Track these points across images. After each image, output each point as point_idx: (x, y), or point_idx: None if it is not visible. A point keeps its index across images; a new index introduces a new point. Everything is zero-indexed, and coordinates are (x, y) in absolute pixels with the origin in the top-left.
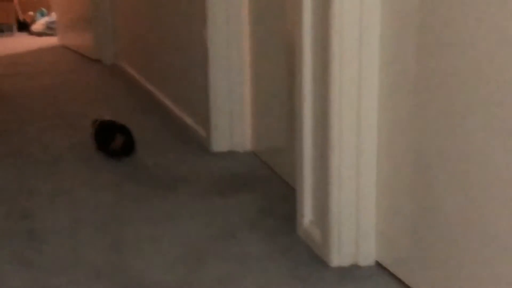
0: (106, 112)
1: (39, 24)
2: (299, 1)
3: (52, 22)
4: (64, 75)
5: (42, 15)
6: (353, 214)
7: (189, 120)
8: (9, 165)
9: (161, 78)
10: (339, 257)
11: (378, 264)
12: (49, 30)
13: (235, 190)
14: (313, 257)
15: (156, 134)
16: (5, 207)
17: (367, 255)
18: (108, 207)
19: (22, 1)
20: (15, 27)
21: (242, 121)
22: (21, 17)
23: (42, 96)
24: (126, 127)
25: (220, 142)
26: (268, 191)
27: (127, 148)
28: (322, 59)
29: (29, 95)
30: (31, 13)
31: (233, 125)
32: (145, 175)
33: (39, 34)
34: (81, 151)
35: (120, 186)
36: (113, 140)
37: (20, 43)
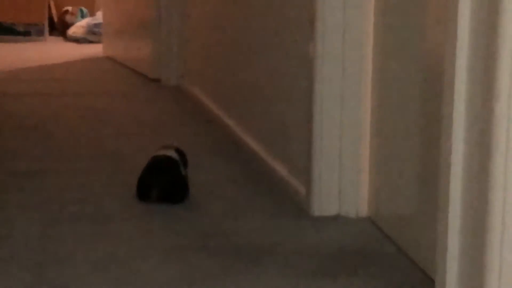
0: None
1: (79, 26)
2: (450, 15)
3: (96, 26)
4: (110, 99)
5: (83, 15)
6: None
7: (281, 170)
8: (35, 220)
9: (244, 110)
10: None
11: None
12: (91, 36)
13: (345, 273)
14: None
15: (234, 185)
16: (27, 279)
17: None
18: (175, 286)
19: None
20: (47, 29)
21: (355, 177)
22: (55, 17)
23: (82, 126)
24: (165, 164)
25: (325, 203)
26: (392, 276)
27: (170, 197)
28: (483, 89)
29: (65, 123)
30: (69, 9)
31: (343, 181)
32: (218, 242)
33: (78, 40)
34: (132, 203)
35: (186, 256)
36: (150, 190)
37: (53, 51)
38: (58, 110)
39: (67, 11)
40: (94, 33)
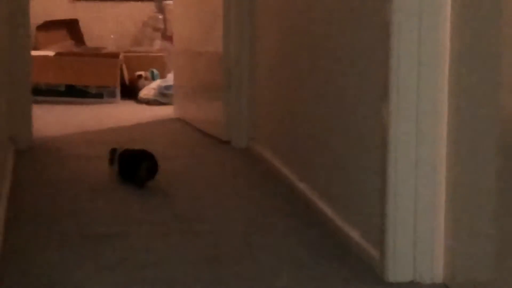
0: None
1: (149, 89)
2: None
3: (167, 87)
4: (181, 161)
5: (153, 77)
6: None
7: (353, 233)
8: (109, 283)
9: (316, 173)
10: None
11: None
12: (162, 98)
13: None
14: None
15: (305, 248)
16: None
17: None
18: None
19: (129, 57)
20: (118, 92)
21: (430, 241)
22: (126, 80)
23: (153, 188)
24: (148, 152)
25: (399, 269)
26: None
27: (152, 173)
28: None
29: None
30: (142, 74)
31: (417, 245)
32: None
33: (149, 102)
34: (205, 269)
35: None
36: (138, 170)
37: (124, 112)
38: None
39: (140, 76)
40: (164, 95)
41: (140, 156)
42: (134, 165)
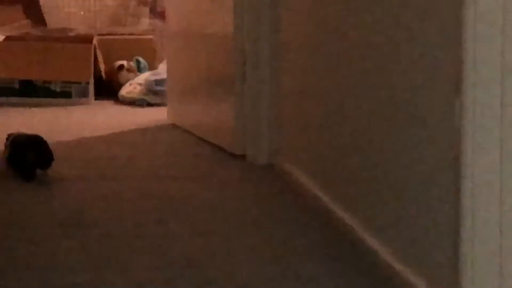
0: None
1: (134, 84)
2: None
3: (159, 83)
4: (180, 184)
5: (140, 69)
6: None
7: (417, 281)
8: None
9: (365, 201)
10: None
11: None
12: (152, 96)
13: None
14: None
15: None
16: None
17: None
18: None
19: (106, 42)
20: (92, 89)
21: None
22: (103, 72)
23: (145, 222)
24: (38, 139)
25: None
26: None
27: (41, 163)
28: None
29: (122, 219)
30: (123, 64)
31: None
32: None
33: (134, 102)
34: None
35: None
36: (24, 159)
37: (100, 117)
38: (111, 200)
39: (121, 67)
40: (155, 93)
41: (27, 143)
42: (21, 153)
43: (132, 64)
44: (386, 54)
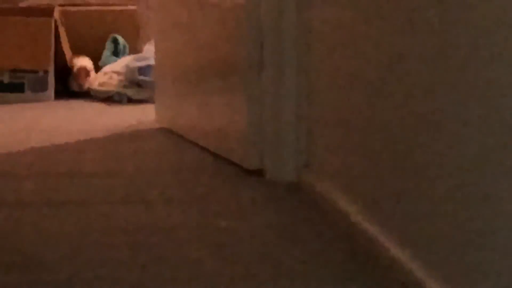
0: None
1: (110, 73)
2: None
3: (143, 71)
4: (177, 210)
5: (117, 51)
6: None
7: None
8: None
9: (417, 230)
10: None
11: None
12: (134, 90)
13: None
14: None
15: None
16: None
17: None
18: None
19: (71, 15)
20: (52, 80)
21: None
22: (68, 57)
23: (132, 269)
24: None
25: None
26: None
27: None
28: None
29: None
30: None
31: None
32: None
33: (110, 98)
34: None
35: None
36: None
37: (63, 120)
38: (73, 235)
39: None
40: (138, 85)
41: None
42: None
43: (108, 45)
44: (461, 54)
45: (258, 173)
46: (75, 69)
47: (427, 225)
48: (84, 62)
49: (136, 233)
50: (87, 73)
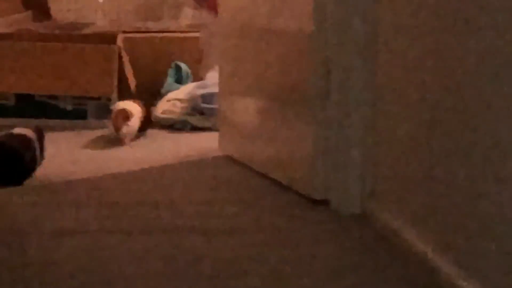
0: None
1: (173, 101)
2: None
3: (207, 98)
4: (239, 243)
5: (180, 78)
6: None
7: None
8: None
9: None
10: None
11: None
12: (198, 118)
13: None
14: None
15: None
16: None
17: None
18: None
19: (135, 41)
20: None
21: None
22: (131, 83)
23: None
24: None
25: None
26: None
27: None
28: None
29: None
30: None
31: None
32: None
33: (172, 125)
34: None
35: None
36: None
37: (124, 148)
38: (136, 263)
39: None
40: (201, 113)
41: None
42: None
43: (171, 72)
44: None
45: (323, 203)
46: (113, 111)
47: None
48: (126, 105)
49: (196, 263)
50: (126, 117)
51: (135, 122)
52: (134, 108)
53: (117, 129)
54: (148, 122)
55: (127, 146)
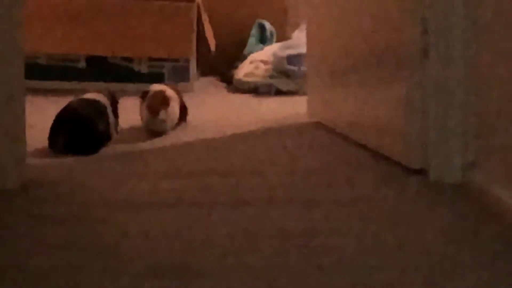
0: None
1: (256, 62)
2: None
3: (293, 59)
4: (324, 217)
5: (263, 38)
6: None
7: None
8: None
9: None
10: None
11: None
12: (284, 81)
13: None
14: None
15: None
16: None
17: None
18: None
19: None
20: (194, 69)
21: None
22: (211, 44)
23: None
24: (73, 116)
25: None
26: None
27: (78, 147)
28: None
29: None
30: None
31: None
32: None
33: (255, 89)
34: None
35: None
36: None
37: (205, 113)
38: (232, 239)
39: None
40: (287, 76)
41: (59, 119)
42: (52, 131)
43: (253, 31)
44: None
45: (420, 172)
46: (148, 94)
47: None
48: (163, 88)
49: (290, 237)
50: (165, 100)
51: (175, 108)
52: (171, 92)
53: (155, 113)
54: (185, 111)
55: (165, 135)
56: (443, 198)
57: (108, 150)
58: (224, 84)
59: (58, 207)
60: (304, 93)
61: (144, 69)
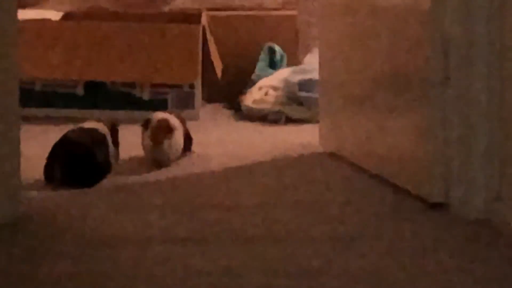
0: None
1: (266, 88)
2: None
3: (305, 85)
4: (339, 256)
5: (273, 63)
6: None
7: None
8: None
9: None
10: None
11: None
12: (295, 108)
13: None
14: None
15: None
16: None
17: None
18: None
19: (221, 20)
20: (199, 96)
21: None
22: (218, 69)
23: None
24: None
25: None
26: None
27: (73, 178)
28: None
29: None
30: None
31: None
32: None
33: (265, 116)
34: None
35: None
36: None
37: (211, 143)
38: (239, 276)
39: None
40: (299, 103)
41: (56, 149)
42: (49, 162)
43: (262, 55)
44: None
45: (441, 207)
46: (151, 122)
47: None
48: (166, 116)
49: (299, 276)
50: (168, 129)
51: (179, 137)
52: (175, 121)
53: (158, 143)
54: (189, 141)
55: (167, 168)
56: (465, 232)
57: (107, 182)
58: (231, 111)
59: (51, 243)
60: (316, 121)
61: (146, 95)
